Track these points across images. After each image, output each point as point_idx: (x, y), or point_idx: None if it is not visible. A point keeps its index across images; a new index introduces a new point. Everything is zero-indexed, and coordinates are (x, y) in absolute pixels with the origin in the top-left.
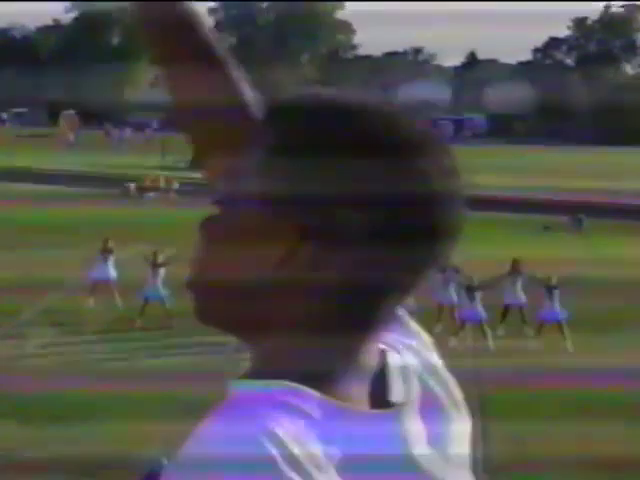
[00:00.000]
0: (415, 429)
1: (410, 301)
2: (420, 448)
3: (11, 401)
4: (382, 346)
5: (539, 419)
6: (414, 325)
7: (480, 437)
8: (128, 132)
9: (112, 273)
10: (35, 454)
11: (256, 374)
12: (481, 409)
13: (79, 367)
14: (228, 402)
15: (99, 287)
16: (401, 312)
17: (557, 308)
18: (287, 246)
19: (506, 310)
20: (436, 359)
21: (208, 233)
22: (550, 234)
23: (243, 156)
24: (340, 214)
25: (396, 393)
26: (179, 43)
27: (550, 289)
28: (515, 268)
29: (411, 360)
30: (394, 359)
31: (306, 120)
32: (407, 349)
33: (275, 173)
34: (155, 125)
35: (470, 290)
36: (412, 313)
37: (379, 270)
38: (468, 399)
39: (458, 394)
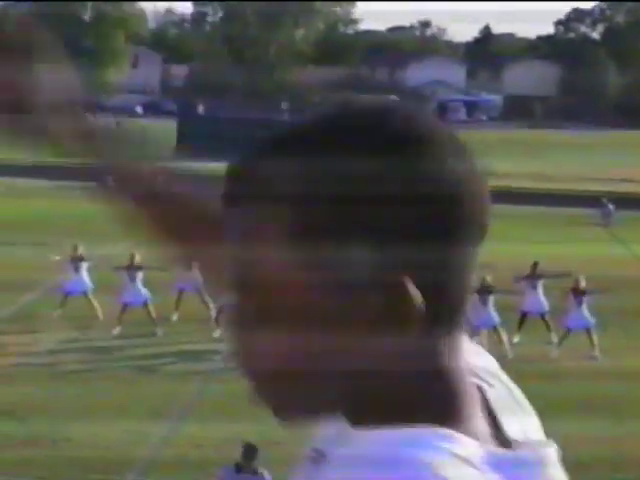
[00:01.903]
0: (558, 472)
1: None
2: None
3: None
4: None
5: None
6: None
7: None
8: (109, 117)
9: (87, 284)
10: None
11: (379, 417)
12: None
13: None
14: (375, 449)
15: (74, 299)
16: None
17: (586, 314)
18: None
19: (523, 317)
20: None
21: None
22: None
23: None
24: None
25: (512, 429)
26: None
27: (578, 294)
28: (535, 271)
29: (500, 388)
30: (489, 390)
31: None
32: (489, 375)
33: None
34: (140, 110)
35: (483, 292)
36: None
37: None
38: None
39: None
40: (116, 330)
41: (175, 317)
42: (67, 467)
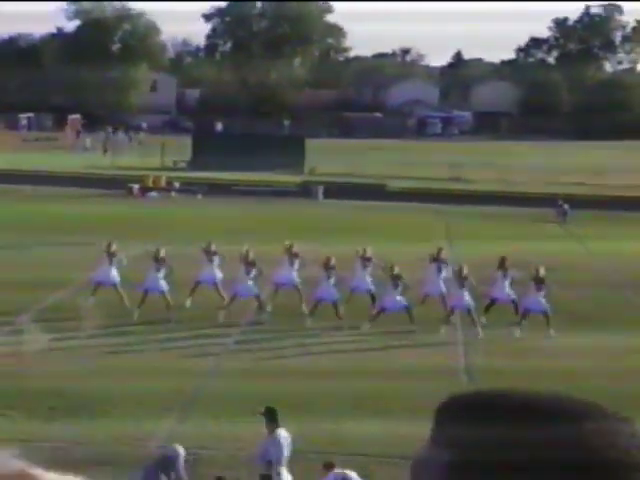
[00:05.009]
0: None
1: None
2: None
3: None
4: None
5: None
6: None
7: None
8: (131, 134)
9: (116, 278)
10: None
11: None
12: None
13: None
14: None
15: (104, 289)
16: None
17: (543, 299)
18: None
19: (492, 303)
20: None
21: None
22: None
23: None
24: None
25: None
26: None
27: (538, 282)
28: (503, 264)
29: None
30: None
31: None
32: None
33: None
34: (145, 127)
35: (460, 279)
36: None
37: None
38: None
39: None
40: (135, 314)
41: (188, 303)
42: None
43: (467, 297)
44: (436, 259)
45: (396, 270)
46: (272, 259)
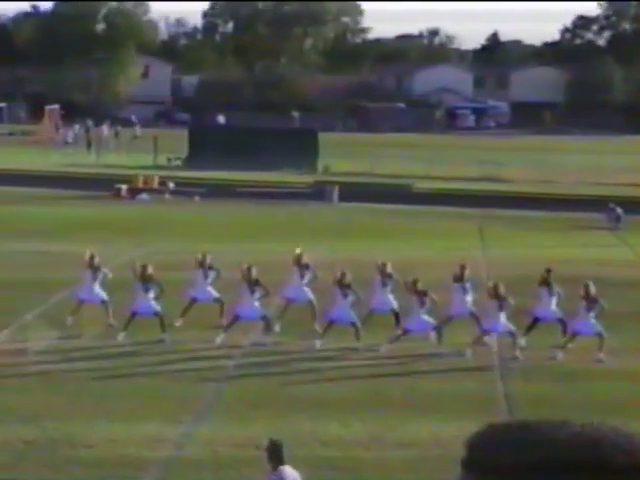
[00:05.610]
0: None
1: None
2: None
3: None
4: None
5: None
6: None
7: None
8: (118, 128)
9: (101, 295)
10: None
11: None
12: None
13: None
14: None
15: (87, 306)
16: None
17: (594, 320)
18: None
19: (535, 322)
20: None
21: None
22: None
23: None
24: None
25: None
26: None
27: (589, 301)
28: (547, 278)
29: None
30: None
31: None
32: None
33: None
34: (134, 119)
35: (497, 300)
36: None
37: None
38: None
39: None
40: (120, 336)
41: (179, 323)
42: (85, 469)
43: (504, 320)
44: (460, 279)
45: (420, 285)
46: (280, 269)
